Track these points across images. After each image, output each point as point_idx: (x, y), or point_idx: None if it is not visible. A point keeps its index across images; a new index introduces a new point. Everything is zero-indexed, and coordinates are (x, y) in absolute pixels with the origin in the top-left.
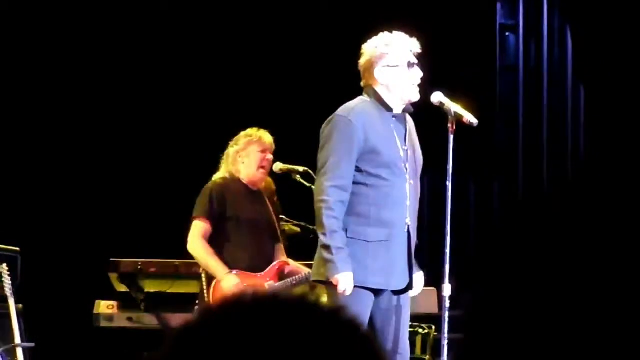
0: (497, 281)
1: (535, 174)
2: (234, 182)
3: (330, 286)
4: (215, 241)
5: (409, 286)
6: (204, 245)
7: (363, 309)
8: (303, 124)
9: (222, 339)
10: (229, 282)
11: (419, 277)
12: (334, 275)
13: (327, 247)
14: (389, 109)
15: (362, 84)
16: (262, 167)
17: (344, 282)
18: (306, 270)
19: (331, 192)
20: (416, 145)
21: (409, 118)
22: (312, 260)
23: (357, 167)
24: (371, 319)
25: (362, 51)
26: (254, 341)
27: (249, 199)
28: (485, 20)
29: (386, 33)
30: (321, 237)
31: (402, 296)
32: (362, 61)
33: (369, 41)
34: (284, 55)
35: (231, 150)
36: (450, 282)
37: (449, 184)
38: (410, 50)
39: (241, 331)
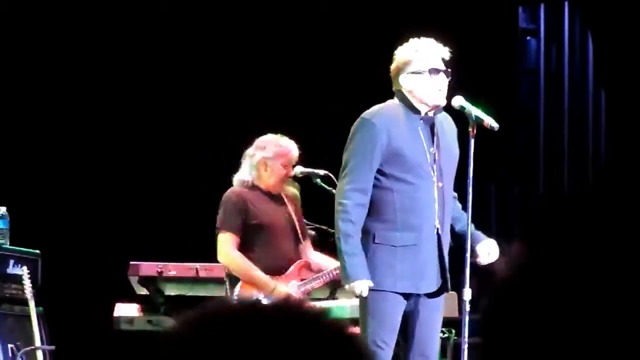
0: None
1: (555, 178)
2: (253, 187)
3: (361, 295)
4: (240, 249)
5: (443, 289)
6: (241, 258)
7: (393, 314)
8: (326, 127)
9: (203, 346)
10: (282, 292)
11: (490, 243)
12: (347, 283)
13: (340, 252)
14: (416, 111)
15: (393, 88)
16: (282, 182)
17: (359, 288)
18: (330, 268)
19: (349, 195)
20: (450, 146)
21: (443, 119)
22: None
23: (382, 170)
24: (402, 322)
25: (394, 57)
26: (236, 346)
27: (270, 203)
28: (506, 25)
29: (415, 39)
30: (337, 241)
31: (434, 300)
32: (392, 67)
33: (400, 47)
34: (311, 59)
35: (257, 153)
36: (470, 286)
37: (469, 188)
38: (439, 57)
39: (223, 337)
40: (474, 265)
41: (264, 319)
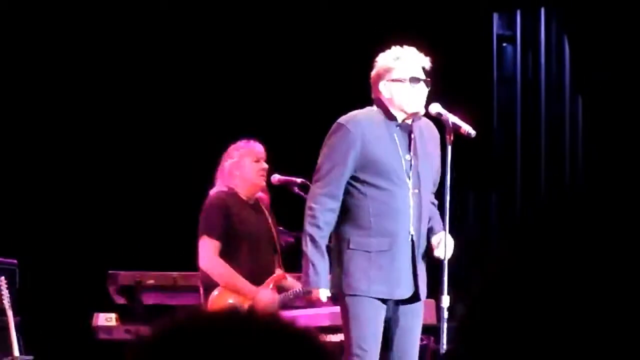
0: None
1: (533, 185)
2: (232, 195)
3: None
4: (221, 257)
5: (417, 297)
6: (223, 264)
7: (373, 317)
8: (301, 134)
9: (171, 354)
10: (263, 297)
11: (442, 235)
12: (307, 288)
13: (304, 255)
14: (393, 118)
15: (372, 95)
16: (261, 175)
17: (316, 296)
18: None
19: (319, 200)
20: (429, 153)
21: (424, 126)
22: None
23: (356, 177)
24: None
25: (374, 63)
26: (206, 354)
27: (249, 211)
28: (482, 31)
29: (397, 47)
30: (302, 244)
31: (412, 307)
32: (372, 73)
33: (381, 54)
34: (284, 65)
35: (225, 164)
36: (448, 294)
37: (447, 195)
38: (419, 66)
39: (194, 346)
40: (452, 273)
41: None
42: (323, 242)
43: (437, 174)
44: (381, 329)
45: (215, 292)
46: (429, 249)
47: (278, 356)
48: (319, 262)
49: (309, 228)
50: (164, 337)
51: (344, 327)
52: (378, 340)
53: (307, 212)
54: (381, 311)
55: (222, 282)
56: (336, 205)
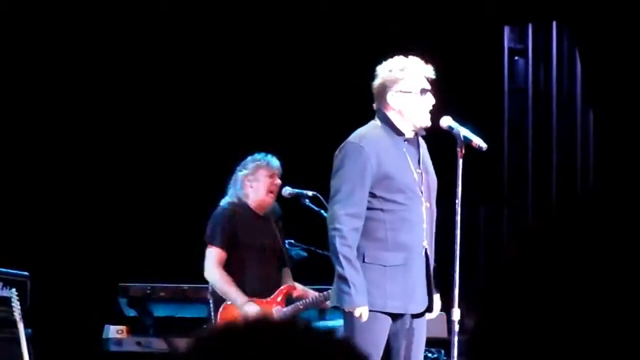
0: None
1: (544, 198)
2: (242, 207)
3: (348, 313)
4: (226, 267)
5: (428, 309)
6: (221, 273)
7: (380, 333)
8: (312, 148)
9: None
10: (249, 310)
11: (436, 299)
12: (349, 308)
13: (343, 279)
14: (400, 133)
15: (374, 106)
16: (271, 192)
17: (358, 313)
18: (314, 293)
19: (344, 220)
20: (429, 168)
21: (421, 141)
22: (320, 283)
23: (372, 193)
24: (387, 342)
25: (377, 73)
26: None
27: (257, 224)
28: (493, 45)
29: (402, 57)
30: (337, 267)
31: (419, 319)
32: (376, 84)
33: (383, 63)
34: (294, 79)
35: (239, 174)
36: (459, 307)
37: (458, 208)
38: (425, 76)
39: (234, 357)
40: (463, 286)
41: (274, 339)
42: (357, 262)
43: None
44: (384, 344)
45: (223, 305)
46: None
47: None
48: (358, 281)
49: (341, 249)
50: (201, 351)
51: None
52: (380, 354)
53: (335, 233)
54: (388, 326)
55: (217, 289)
56: (360, 224)
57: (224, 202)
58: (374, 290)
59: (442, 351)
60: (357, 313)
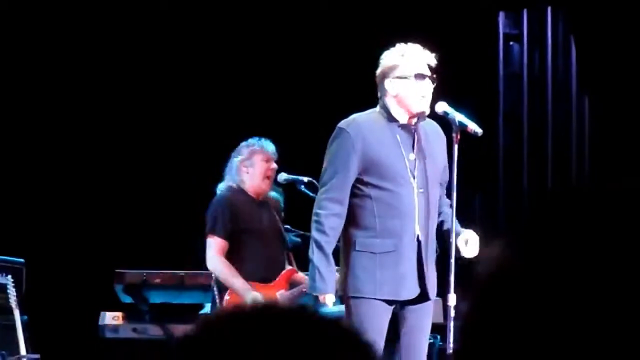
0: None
1: (539, 183)
2: (240, 193)
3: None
4: (229, 254)
5: (424, 297)
6: (224, 263)
7: (378, 319)
8: (308, 133)
9: (222, 350)
10: (254, 300)
11: (467, 233)
12: (316, 294)
13: (310, 261)
14: (393, 119)
15: (377, 94)
16: (267, 177)
17: (322, 301)
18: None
19: (323, 205)
20: (435, 153)
21: (429, 128)
22: None
23: (360, 179)
24: (390, 329)
25: (379, 61)
26: (254, 352)
27: (257, 209)
28: (488, 30)
29: (402, 44)
30: (309, 250)
31: (421, 306)
32: (377, 71)
33: (386, 52)
34: (291, 64)
35: (235, 160)
36: (455, 292)
37: (453, 193)
38: (426, 63)
39: (241, 341)
40: (459, 271)
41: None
42: (329, 248)
43: (445, 174)
44: (385, 331)
45: (229, 292)
46: (446, 248)
47: (318, 349)
48: (325, 268)
49: (315, 234)
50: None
51: None
52: (382, 342)
53: (313, 218)
54: (386, 313)
55: (221, 279)
56: (341, 209)
57: (221, 186)
58: (365, 277)
59: (438, 336)
60: (321, 299)
